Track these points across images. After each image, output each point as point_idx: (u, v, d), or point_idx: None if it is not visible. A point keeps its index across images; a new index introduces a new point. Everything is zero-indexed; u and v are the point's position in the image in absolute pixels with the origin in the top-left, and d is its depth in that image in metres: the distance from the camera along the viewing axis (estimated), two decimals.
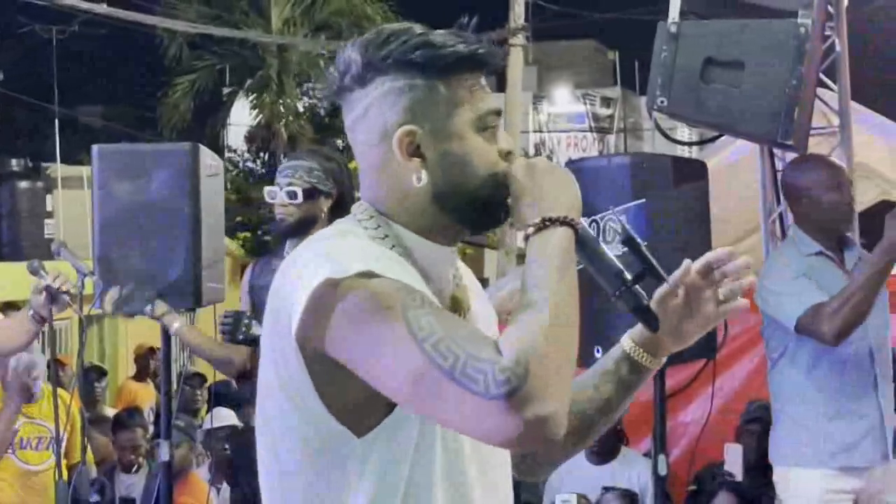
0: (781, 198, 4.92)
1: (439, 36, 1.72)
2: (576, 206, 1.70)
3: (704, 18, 4.03)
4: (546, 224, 1.67)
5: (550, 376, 1.51)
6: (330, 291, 1.61)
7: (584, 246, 1.74)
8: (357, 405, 1.65)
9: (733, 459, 5.14)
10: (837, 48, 4.58)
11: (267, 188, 4.51)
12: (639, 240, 1.79)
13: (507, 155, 1.76)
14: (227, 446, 6.36)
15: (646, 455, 5.38)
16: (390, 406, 1.65)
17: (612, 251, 1.80)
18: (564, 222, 1.67)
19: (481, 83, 1.75)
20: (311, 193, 4.45)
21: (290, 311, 1.64)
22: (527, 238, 1.68)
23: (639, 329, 1.88)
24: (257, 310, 4.47)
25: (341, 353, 1.61)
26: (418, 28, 1.73)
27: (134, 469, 6.19)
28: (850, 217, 4.24)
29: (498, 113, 1.76)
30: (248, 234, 17.94)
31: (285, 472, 1.73)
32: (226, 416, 6.75)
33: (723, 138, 4.70)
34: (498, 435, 1.52)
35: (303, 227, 4.47)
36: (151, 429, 8.02)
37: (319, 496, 1.69)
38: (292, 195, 4.41)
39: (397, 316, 1.56)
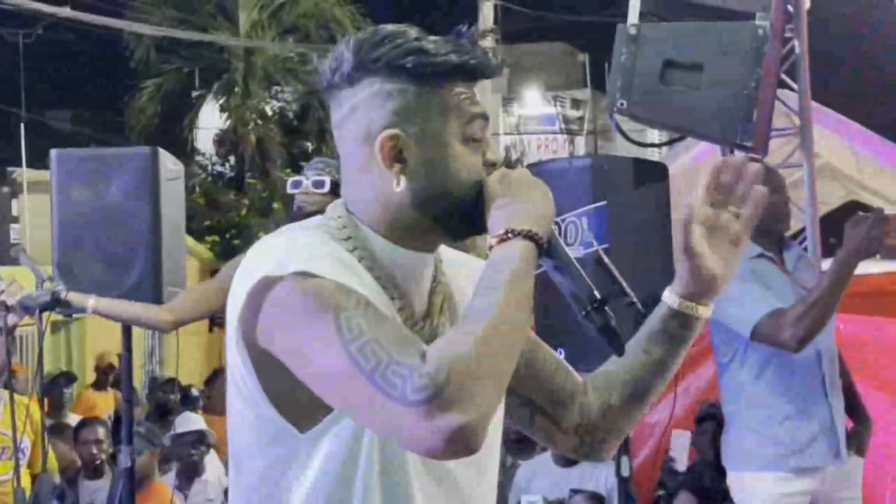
0: None
1: (434, 43, 1.70)
2: (544, 219, 1.68)
3: (664, 21, 4.04)
4: (508, 236, 1.65)
5: (471, 387, 1.48)
6: (265, 290, 1.61)
7: (554, 260, 1.72)
8: (299, 401, 1.64)
9: (679, 445, 5.18)
10: (797, 49, 4.60)
11: (291, 179, 4.50)
12: (607, 260, 1.76)
13: (491, 166, 1.74)
14: (192, 452, 6.34)
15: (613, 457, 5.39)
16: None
17: (574, 253, 1.79)
18: (527, 235, 1.64)
19: (471, 93, 1.73)
20: (336, 188, 4.46)
21: (234, 305, 1.66)
22: (490, 248, 1.66)
23: (680, 280, 1.83)
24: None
25: (277, 351, 1.62)
26: (414, 32, 1.71)
27: (98, 474, 6.16)
28: (787, 217, 4.26)
29: (485, 119, 1.74)
30: (216, 238, 17.88)
31: (241, 463, 1.76)
32: (194, 421, 6.72)
33: (689, 140, 4.71)
34: (415, 442, 1.51)
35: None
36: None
37: (268, 488, 1.71)
38: (319, 184, 4.44)
39: (328, 317, 1.55)
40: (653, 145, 5.03)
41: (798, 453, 4.12)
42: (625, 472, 4.10)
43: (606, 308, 1.70)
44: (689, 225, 1.79)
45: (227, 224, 17.85)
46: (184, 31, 17.99)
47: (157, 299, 4.63)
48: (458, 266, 1.89)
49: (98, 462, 6.17)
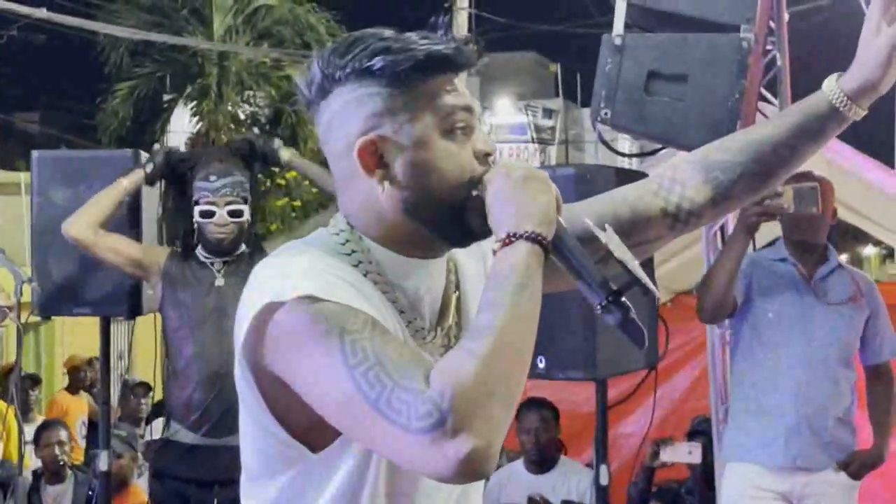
0: None
1: (401, 40, 1.64)
2: (548, 217, 1.60)
3: (648, 31, 4.05)
4: (511, 240, 1.57)
5: (477, 410, 1.42)
6: (270, 315, 1.56)
7: (564, 255, 1.63)
8: (311, 423, 1.61)
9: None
10: (779, 62, 4.64)
11: (201, 207, 4.42)
12: (622, 257, 1.62)
13: (484, 157, 1.67)
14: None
15: (587, 465, 5.40)
16: None
17: None
18: (530, 238, 1.57)
19: (449, 84, 1.66)
20: (246, 208, 4.44)
21: (239, 331, 1.62)
22: (494, 253, 1.59)
23: (851, 76, 1.80)
24: (166, 296, 4.43)
25: (282, 375, 1.58)
26: (383, 33, 1.64)
27: (60, 479, 6.11)
28: (823, 230, 4.34)
29: (468, 109, 1.67)
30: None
31: (255, 485, 1.74)
32: None
33: (665, 150, 4.73)
34: (423, 467, 1.46)
35: (238, 245, 4.46)
36: (83, 443, 7.92)
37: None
38: (237, 214, 4.40)
39: (333, 342, 1.49)
40: (632, 155, 5.05)
41: (760, 448, 4.22)
42: (603, 481, 4.11)
43: (624, 299, 1.59)
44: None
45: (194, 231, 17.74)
46: (158, 34, 17.89)
47: (135, 304, 4.62)
48: (467, 260, 1.83)
49: (61, 464, 6.12)
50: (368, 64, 1.63)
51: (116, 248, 4.40)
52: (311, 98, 1.70)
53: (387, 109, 1.64)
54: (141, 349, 5.20)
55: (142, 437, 7.00)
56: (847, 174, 5.99)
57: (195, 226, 4.45)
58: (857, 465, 4.24)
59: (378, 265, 1.69)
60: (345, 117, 1.66)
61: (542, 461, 5.47)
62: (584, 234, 1.67)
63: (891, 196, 6.54)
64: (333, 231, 1.72)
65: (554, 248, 1.61)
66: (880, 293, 4.44)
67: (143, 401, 8.30)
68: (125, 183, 4.44)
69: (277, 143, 4.62)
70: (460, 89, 1.68)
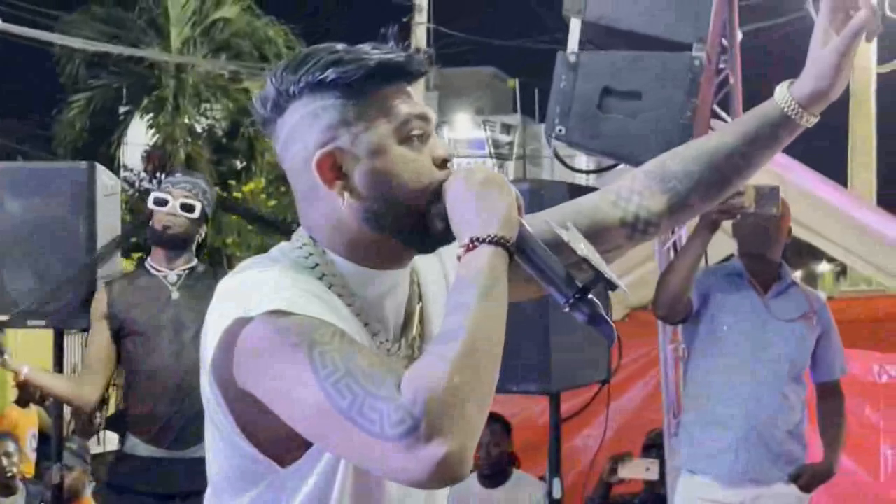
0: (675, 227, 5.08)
1: (353, 52, 1.64)
2: (511, 219, 1.59)
3: (603, 49, 4.09)
4: (475, 244, 1.57)
5: (450, 414, 1.42)
6: (239, 330, 1.56)
7: (528, 256, 1.63)
8: (279, 438, 1.61)
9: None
10: (731, 81, 4.69)
11: (156, 194, 4.43)
12: (584, 253, 1.61)
13: (442, 163, 1.67)
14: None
15: (540, 478, 5.43)
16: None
17: None
18: (494, 241, 1.56)
19: (403, 92, 1.67)
20: (203, 214, 4.44)
21: (206, 348, 1.62)
22: (459, 258, 1.58)
23: (800, 87, 1.83)
24: (125, 330, 4.39)
25: (253, 390, 1.57)
26: (334, 46, 1.66)
27: (11, 491, 6.07)
28: (776, 244, 4.39)
29: (423, 118, 1.67)
30: (143, 255, 17.69)
31: (222, 499, 1.74)
32: (111, 440, 6.65)
33: (620, 167, 4.77)
34: (399, 475, 1.46)
35: (183, 245, 4.44)
36: (34, 456, 7.85)
37: None
38: (189, 208, 4.38)
39: (302, 353, 1.50)
40: (588, 171, 5.09)
41: (714, 460, 4.26)
42: (556, 494, 4.13)
43: (590, 296, 1.59)
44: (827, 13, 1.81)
45: (147, 241, 17.64)
46: (115, 46, 17.82)
47: (90, 316, 4.60)
48: (428, 270, 1.83)
49: (10, 476, 6.06)
50: (321, 76, 1.63)
51: (104, 367, 4.40)
52: (266, 116, 1.70)
53: (342, 120, 1.64)
54: None
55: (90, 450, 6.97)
56: (802, 192, 6.06)
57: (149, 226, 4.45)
58: (808, 478, 4.29)
59: (342, 278, 1.69)
60: (301, 132, 1.66)
61: (494, 475, 5.49)
62: (550, 241, 1.68)
63: (844, 214, 6.62)
64: (296, 245, 1.72)
65: (518, 250, 1.61)
66: (834, 310, 4.51)
67: (97, 414, 8.23)
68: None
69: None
70: (414, 98, 1.69)
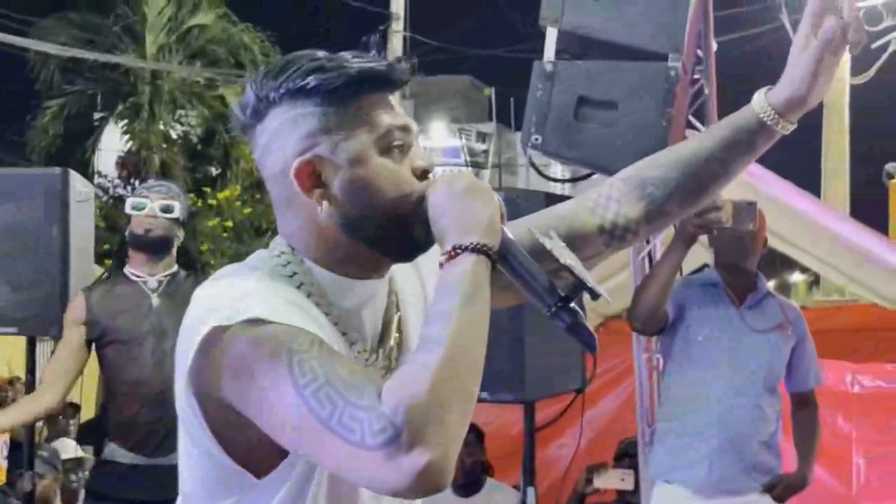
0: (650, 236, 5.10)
1: (334, 60, 1.63)
2: (493, 227, 1.59)
3: (579, 58, 4.10)
4: (457, 252, 1.56)
5: (431, 423, 1.41)
6: (218, 338, 1.55)
7: (510, 264, 1.62)
8: (256, 449, 1.60)
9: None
10: (706, 91, 4.71)
11: (133, 199, 4.41)
12: (568, 262, 1.60)
13: (422, 174, 1.66)
14: (73, 479, 6.25)
15: (514, 488, 5.42)
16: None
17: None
18: (476, 249, 1.55)
19: (384, 101, 1.66)
20: (181, 215, 4.43)
21: (185, 353, 1.60)
22: (441, 266, 1.57)
23: (777, 94, 1.81)
24: (105, 338, 4.36)
25: (232, 400, 1.56)
26: (316, 54, 1.65)
27: None
28: (751, 255, 4.40)
29: (404, 129, 1.66)
30: (114, 262, 17.63)
31: (186, 500, 1.73)
32: (70, 448, 6.63)
33: (595, 176, 4.78)
34: (379, 484, 1.45)
35: (165, 247, 4.42)
36: (5, 463, 7.79)
37: None
38: (168, 209, 4.37)
39: (281, 363, 1.48)
40: (564, 180, 5.10)
41: (688, 469, 4.27)
42: (530, 503, 4.14)
43: (573, 305, 1.59)
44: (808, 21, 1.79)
45: (124, 248, 17.57)
46: (90, 52, 17.75)
47: (63, 323, 4.57)
48: (405, 280, 1.82)
49: None
50: (302, 83, 1.62)
51: (66, 371, 4.36)
52: (246, 122, 1.68)
53: (322, 128, 1.63)
54: None
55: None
56: (775, 202, 6.09)
57: (127, 235, 4.44)
58: (782, 489, 4.31)
59: (320, 287, 1.67)
60: (281, 139, 1.65)
61: (468, 484, 5.48)
62: (532, 249, 1.67)
63: (817, 224, 6.66)
64: (274, 253, 1.70)
65: (500, 258, 1.61)
66: (807, 320, 4.53)
67: (71, 421, 8.20)
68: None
69: None
70: (396, 108, 1.68)
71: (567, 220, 1.88)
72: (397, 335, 1.77)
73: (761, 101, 1.83)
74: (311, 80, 1.62)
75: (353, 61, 1.63)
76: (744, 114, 1.85)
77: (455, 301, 1.51)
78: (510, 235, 1.63)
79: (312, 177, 1.63)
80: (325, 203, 1.63)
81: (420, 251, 1.70)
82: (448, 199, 1.61)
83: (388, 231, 1.65)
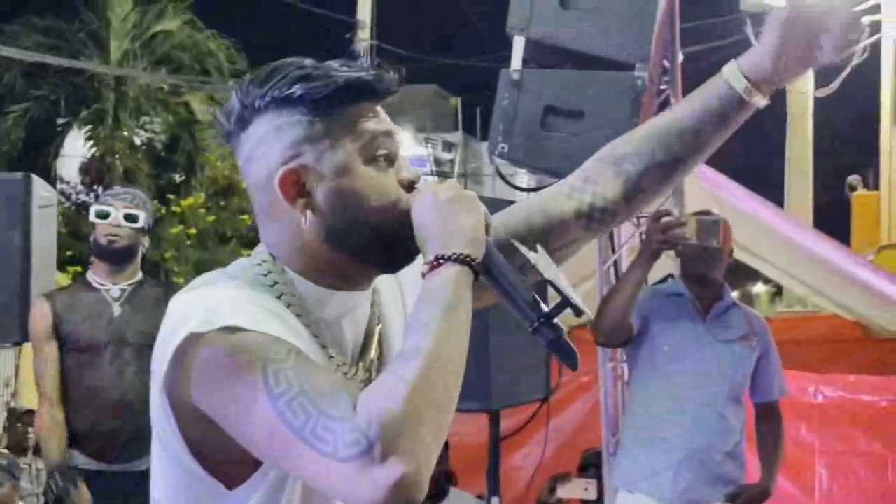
0: (616, 245, 5.09)
1: (321, 68, 1.61)
2: (477, 238, 1.56)
3: (545, 67, 4.11)
4: (440, 262, 1.53)
5: (406, 437, 1.40)
6: (192, 347, 1.52)
7: (494, 276, 1.60)
8: (228, 459, 1.58)
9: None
10: (672, 101, 4.73)
11: (97, 207, 4.38)
12: (552, 277, 1.59)
13: (409, 185, 1.64)
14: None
15: (478, 497, 5.42)
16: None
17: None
18: (459, 259, 1.53)
19: (371, 111, 1.63)
20: (146, 224, 4.40)
21: (159, 363, 1.58)
22: (423, 276, 1.55)
23: (743, 59, 1.79)
24: (67, 346, 4.31)
25: (206, 408, 1.54)
26: (303, 61, 1.63)
27: None
28: (718, 265, 4.39)
29: (388, 134, 1.64)
30: (79, 269, 17.51)
31: None
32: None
33: None
34: (352, 497, 1.42)
35: (129, 256, 4.39)
36: None
37: None
38: (132, 218, 4.34)
39: (256, 372, 1.46)
40: (530, 189, 5.10)
41: (652, 479, 4.27)
42: None
43: (555, 321, 1.58)
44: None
45: (89, 255, 17.48)
46: (54, 57, 17.65)
47: (23, 330, 4.53)
48: (388, 292, 1.80)
49: None
50: (288, 92, 1.60)
51: (48, 371, 4.32)
52: (230, 129, 1.66)
53: (307, 137, 1.60)
54: (27, 376, 5.08)
55: (28, 465, 6.85)
56: (739, 213, 6.11)
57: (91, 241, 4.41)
58: (745, 499, 4.31)
59: (300, 297, 1.65)
60: (265, 147, 1.62)
61: (431, 494, 5.46)
62: (515, 260, 1.65)
63: (781, 235, 6.69)
64: (255, 262, 1.68)
65: (484, 270, 1.59)
66: (770, 330, 4.54)
67: (30, 429, 8.11)
68: None
69: None
70: (382, 116, 1.66)
71: (544, 209, 1.86)
72: (378, 348, 1.74)
73: (731, 68, 1.81)
74: (298, 89, 1.59)
75: (341, 70, 1.61)
76: (714, 80, 1.83)
77: (435, 312, 1.49)
78: (494, 248, 1.61)
79: (297, 186, 1.61)
80: (308, 213, 1.61)
81: (405, 263, 1.67)
82: (433, 208, 1.59)
83: (372, 242, 1.62)
